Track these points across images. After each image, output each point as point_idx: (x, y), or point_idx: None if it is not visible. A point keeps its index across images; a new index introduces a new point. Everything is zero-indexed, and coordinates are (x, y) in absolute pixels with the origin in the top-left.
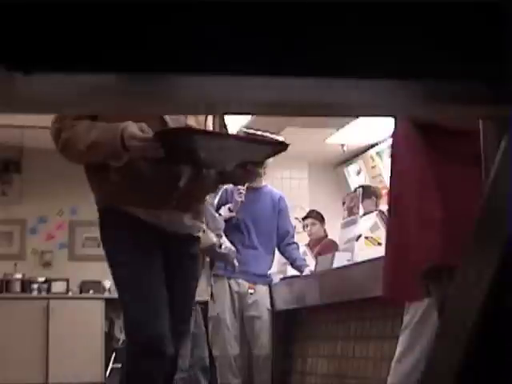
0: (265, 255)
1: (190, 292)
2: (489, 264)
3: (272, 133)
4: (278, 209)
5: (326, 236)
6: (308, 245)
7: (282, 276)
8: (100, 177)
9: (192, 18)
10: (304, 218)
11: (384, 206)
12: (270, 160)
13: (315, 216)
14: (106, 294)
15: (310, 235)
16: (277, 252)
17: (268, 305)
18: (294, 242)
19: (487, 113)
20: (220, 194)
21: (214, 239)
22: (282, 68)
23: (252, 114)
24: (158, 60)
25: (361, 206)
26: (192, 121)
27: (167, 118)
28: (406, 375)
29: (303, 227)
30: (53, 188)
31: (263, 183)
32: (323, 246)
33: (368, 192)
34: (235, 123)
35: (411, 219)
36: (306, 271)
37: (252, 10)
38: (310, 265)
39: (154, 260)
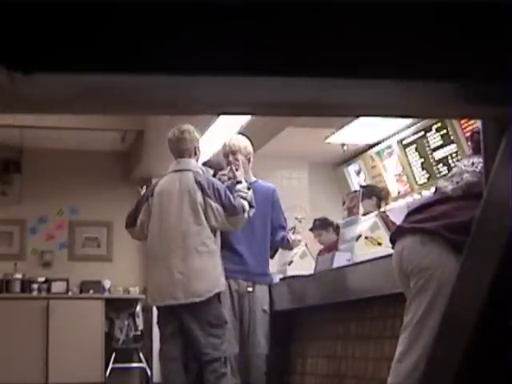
0: (263, 252)
1: None
2: (489, 263)
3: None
4: (272, 201)
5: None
6: (320, 250)
7: (281, 276)
8: None
9: (192, 19)
10: (310, 230)
11: (387, 207)
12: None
13: (318, 226)
14: (106, 294)
15: (322, 244)
16: (277, 252)
17: (266, 304)
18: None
19: (487, 113)
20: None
21: None
22: (282, 68)
23: (251, 114)
24: (158, 61)
25: (361, 206)
26: None
27: None
28: (406, 375)
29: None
30: (53, 188)
31: (253, 178)
32: (330, 248)
33: (369, 192)
34: (236, 123)
35: None
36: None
37: (254, 11)
38: (310, 265)
39: None
